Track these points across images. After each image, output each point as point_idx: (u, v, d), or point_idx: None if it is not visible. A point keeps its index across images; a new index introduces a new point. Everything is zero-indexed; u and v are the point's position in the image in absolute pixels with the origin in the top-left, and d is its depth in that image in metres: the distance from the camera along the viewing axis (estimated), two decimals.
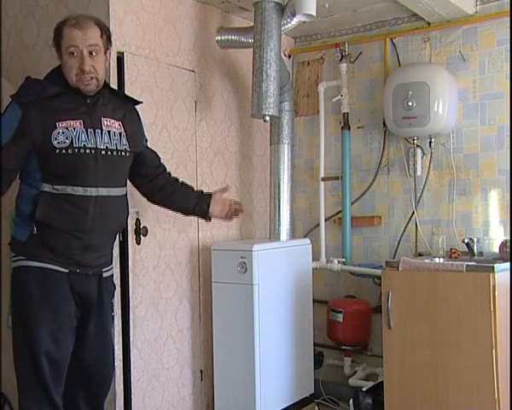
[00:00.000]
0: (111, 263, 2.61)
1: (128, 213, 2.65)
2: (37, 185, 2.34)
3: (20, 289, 2.38)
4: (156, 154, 2.81)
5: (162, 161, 2.95)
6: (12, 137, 2.29)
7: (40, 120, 2.30)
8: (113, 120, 2.46)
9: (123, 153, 2.47)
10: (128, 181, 2.69)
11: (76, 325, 2.44)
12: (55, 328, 2.35)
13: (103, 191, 2.39)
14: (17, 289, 2.40)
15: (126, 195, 2.60)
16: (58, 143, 2.29)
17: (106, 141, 2.40)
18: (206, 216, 2.85)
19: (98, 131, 2.39)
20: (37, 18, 3.27)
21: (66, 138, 2.31)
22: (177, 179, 2.85)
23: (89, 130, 2.36)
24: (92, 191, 2.36)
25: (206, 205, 2.81)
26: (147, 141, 2.75)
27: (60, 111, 2.33)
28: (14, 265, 2.42)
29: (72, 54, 2.34)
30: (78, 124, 2.34)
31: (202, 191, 2.91)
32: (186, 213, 2.91)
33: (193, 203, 2.81)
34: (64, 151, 2.30)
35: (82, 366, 2.50)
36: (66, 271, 2.38)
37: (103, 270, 2.51)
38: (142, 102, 2.74)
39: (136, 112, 2.68)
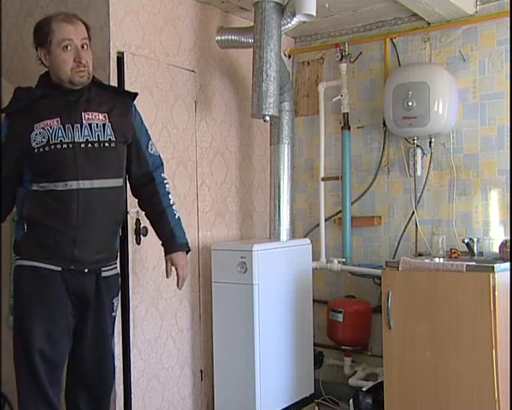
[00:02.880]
0: (113, 262, 2.56)
1: (126, 206, 2.64)
2: (28, 186, 2.39)
3: (16, 288, 2.42)
4: (153, 162, 2.66)
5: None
6: (2, 147, 2.37)
7: (22, 125, 2.36)
8: (96, 113, 2.44)
9: (106, 144, 2.43)
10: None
11: (74, 325, 2.44)
12: (51, 327, 2.35)
13: (86, 184, 2.37)
14: (14, 289, 2.43)
15: (122, 187, 2.54)
16: (36, 143, 2.34)
17: (86, 134, 2.39)
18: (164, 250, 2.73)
19: (77, 125, 2.38)
20: (37, 18, 3.21)
21: (43, 137, 2.35)
22: (162, 202, 2.67)
23: (66, 125, 2.37)
24: (73, 185, 2.35)
25: (166, 251, 2.69)
26: (149, 142, 2.65)
27: (40, 112, 2.37)
28: (14, 264, 2.45)
29: (67, 47, 2.36)
30: (54, 122, 2.37)
31: (166, 243, 2.70)
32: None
33: (161, 237, 2.71)
34: (42, 149, 2.34)
35: (81, 367, 2.49)
36: (59, 269, 2.38)
37: (102, 269, 2.48)
38: (137, 93, 2.66)
39: (133, 106, 2.61)
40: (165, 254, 2.69)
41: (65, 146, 2.36)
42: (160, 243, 2.71)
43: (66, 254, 2.38)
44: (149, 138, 2.67)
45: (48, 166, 2.35)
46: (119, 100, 2.56)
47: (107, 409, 2.61)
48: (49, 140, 2.34)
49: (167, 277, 2.70)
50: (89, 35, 2.45)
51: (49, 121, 2.36)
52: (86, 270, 2.43)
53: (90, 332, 2.47)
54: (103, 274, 2.49)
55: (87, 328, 2.46)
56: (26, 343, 2.34)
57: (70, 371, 2.48)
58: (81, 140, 2.38)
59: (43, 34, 2.40)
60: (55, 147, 2.35)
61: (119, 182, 2.50)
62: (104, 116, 2.45)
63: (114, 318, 2.60)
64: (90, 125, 2.40)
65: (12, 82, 3.15)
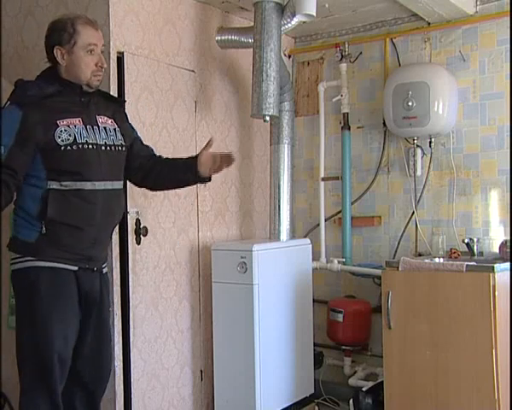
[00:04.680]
0: (107, 260, 2.64)
1: (126, 206, 2.67)
2: (43, 184, 2.34)
3: (31, 290, 2.35)
4: (148, 147, 2.76)
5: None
6: (15, 139, 2.28)
7: (41, 119, 2.30)
8: (106, 117, 2.50)
9: (119, 147, 2.52)
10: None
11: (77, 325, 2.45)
12: (65, 328, 2.36)
13: (108, 185, 2.44)
14: (27, 291, 2.37)
15: (123, 189, 2.63)
16: (62, 140, 2.32)
17: (104, 136, 2.45)
18: (201, 181, 2.72)
19: (96, 127, 2.43)
20: (37, 18, 3.27)
21: (69, 135, 2.34)
22: (163, 158, 2.76)
23: (88, 126, 2.40)
24: (100, 185, 2.41)
25: (195, 171, 2.64)
26: (136, 133, 2.74)
27: (58, 110, 2.35)
28: (20, 266, 2.37)
29: (91, 51, 2.39)
30: (77, 121, 2.38)
31: (190, 157, 2.72)
32: (180, 185, 2.86)
33: (181, 174, 2.69)
34: (69, 148, 2.33)
35: (80, 364, 2.49)
36: (76, 268, 2.40)
37: (103, 266, 2.55)
38: (125, 101, 2.80)
39: (124, 110, 2.71)
40: (203, 180, 2.69)
41: (90, 147, 2.39)
42: (186, 166, 2.67)
43: (86, 253, 2.42)
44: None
45: (74, 165, 2.35)
46: (114, 106, 2.63)
47: (100, 405, 2.61)
48: (75, 139, 2.34)
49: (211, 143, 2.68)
50: None
51: (71, 120, 2.36)
52: (95, 268, 2.48)
53: (93, 328, 2.49)
54: (103, 271, 2.56)
55: (90, 325, 2.48)
56: (43, 346, 2.32)
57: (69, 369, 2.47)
58: (101, 142, 2.44)
59: (65, 34, 2.37)
60: (82, 146, 2.36)
61: (122, 184, 2.60)
62: (111, 121, 2.53)
63: (111, 313, 2.64)
64: (105, 128, 2.47)
65: (12, 82, 3.14)
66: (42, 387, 2.34)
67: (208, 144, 2.66)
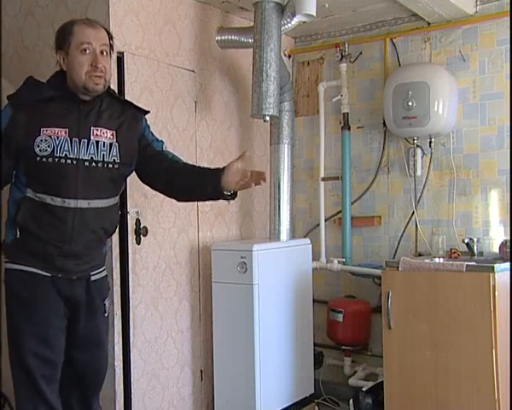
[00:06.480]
0: (102, 266, 2.53)
1: (117, 222, 2.55)
2: (23, 189, 2.32)
3: (7, 291, 2.37)
4: (163, 153, 2.60)
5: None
6: (1, 138, 2.26)
7: (27, 124, 2.26)
8: (104, 130, 2.37)
9: (110, 165, 2.38)
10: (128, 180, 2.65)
11: (66, 325, 2.41)
12: (45, 328, 2.33)
13: (83, 203, 2.32)
14: (5, 293, 2.38)
15: (117, 203, 2.51)
16: (40, 150, 2.25)
17: (91, 152, 2.33)
18: (223, 197, 2.48)
19: (84, 140, 2.32)
20: (37, 18, 3.27)
21: (48, 147, 2.26)
22: (185, 166, 2.58)
23: (73, 139, 2.30)
24: (71, 203, 2.30)
25: (217, 184, 2.43)
26: (163, 143, 2.62)
27: (49, 116, 2.29)
28: (4, 267, 2.40)
29: (85, 51, 2.28)
30: (62, 132, 2.28)
31: (216, 169, 2.51)
32: (201, 198, 2.69)
33: (202, 186, 2.50)
34: (45, 159, 2.26)
35: (74, 367, 2.47)
36: (49, 275, 2.35)
37: (91, 273, 2.45)
38: (149, 112, 2.62)
39: (144, 119, 2.56)
40: (226, 197, 2.47)
41: (69, 162, 2.29)
42: (211, 176, 2.47)
43: (56, 264, 2.35)
44: (163, 142, 2.63)
45: (48, 177, 2.28)
46: (129, 113, 2.49)
47: (94, 405, 2.60)
48: (53, 151, 2.26)
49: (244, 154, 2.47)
50: (111, 44, 2.38)
51: (56, 130, 2.27)
52: (75, 277, 2.40)
53: (82, 332, 2.44)
54: (92, 278, 2.46)
55: (79, 328, 2.43)
56: (19, 346, 2.32)
57: (63, 370, 2.47)
58: (86, 157, 2.32)
59: (63, 36, 2.32)
60: (59, 160, 2.27)
61: (114, 200, 2.48)
62: (112, 134, 2.39)
63: (107, 318, 2.58)
64: (97, 142, 2.34)
65: (12, 82, 3.14)
66: (27, 387, 2.32)
67: (242, 157, 2.44)
